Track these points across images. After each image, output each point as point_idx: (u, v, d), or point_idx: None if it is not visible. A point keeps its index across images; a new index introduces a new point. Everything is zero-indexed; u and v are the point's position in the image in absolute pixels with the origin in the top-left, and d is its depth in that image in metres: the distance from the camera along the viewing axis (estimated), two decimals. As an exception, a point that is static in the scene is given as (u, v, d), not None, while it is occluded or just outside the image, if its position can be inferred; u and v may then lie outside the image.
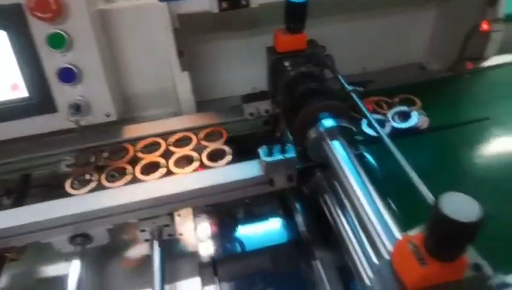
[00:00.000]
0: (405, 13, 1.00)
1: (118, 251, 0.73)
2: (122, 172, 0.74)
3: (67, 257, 0.67)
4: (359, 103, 0.68)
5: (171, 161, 0.74)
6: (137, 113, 0.89)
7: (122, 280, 0.71)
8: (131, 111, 0.88)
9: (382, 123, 0.86)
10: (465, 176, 0.77)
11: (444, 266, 0.37)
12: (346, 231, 0.59)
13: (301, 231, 0.73)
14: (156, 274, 0.63)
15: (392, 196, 0.64)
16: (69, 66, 0.72)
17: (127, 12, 0.78)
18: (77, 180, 0.73)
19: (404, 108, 0.88)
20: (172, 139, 0.80)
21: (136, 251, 0.72)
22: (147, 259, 0.67)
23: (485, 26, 0.90)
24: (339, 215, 0.62)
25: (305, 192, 0.70)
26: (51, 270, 0.73)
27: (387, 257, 0.44)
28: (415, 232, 0.42)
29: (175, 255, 0.71)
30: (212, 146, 0.78)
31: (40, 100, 0.74)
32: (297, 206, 0.76)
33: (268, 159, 0.64)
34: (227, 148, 0.76)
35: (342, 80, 0.73)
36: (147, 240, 0.68)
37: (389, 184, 0.70)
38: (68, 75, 0.73)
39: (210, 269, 0.68)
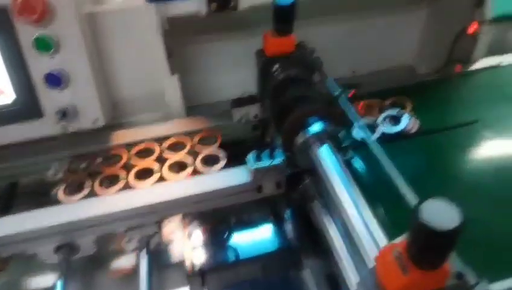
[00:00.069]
0: (395, 16, 1.00)
1: (105, 261, 0.72)
2: (115, 178, 0.73)
3: (53, 267, 0.66)
4: (347, 106, 0.68)
5: (165, 167, 0.74)
6: (126, 118, 0.88)
7: (109, 290, 0.70)
8: (121, 116, 0.87)
9: (372, 127, 0.86)
10: (454, 179, 0.77)
11: (427, 274, 0.36)
12: (333, 239, 0.59)
13: (291, 239, 0.73)
14: (142, 284, 0.63)
15: (381, 201, 0.64)
16: (56, 70, 0.71)
17: (115, 15, 0.77)
18: (70, 186, 0.73)
19: (394, 111, 0.88)
20: (166, 144, 0.80)
21: (123, 261, 0.71)
22: (134, 269, 0.67)
23: (472, 28, 0.90)
24: (326, 222, 0.62)
25: (294, 198, 0.69)
26: (36, 281, 0.72)
27: (372, 264, 0.44)
28: (401, 240, 0.42)
29: (163, 265, 0.70)
30: (206, 151, 0.78)
31: (26, 105, 0.73)
32: (288, 213, 0.76)
33: (256, 165, 0.64)
34: (221, 153, 0.76)
35: (330, 84, 0.73)
36: (134, 250, 0.68)
37: (378, 189, 0.70)
38: (55, 80, 0.72)
39: (198, 278, 0.67)
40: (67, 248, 0.65)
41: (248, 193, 0.67)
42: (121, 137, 0.82)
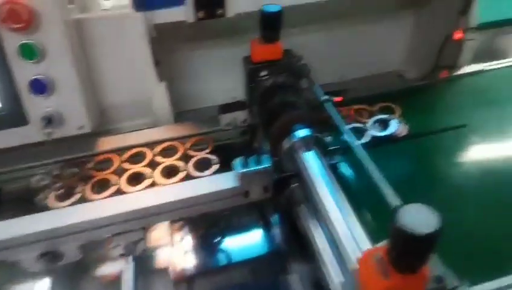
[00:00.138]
0: (383, 23, 1.02)
1: (90, 268, 0.71)
2: (106, 183, 0.73)
3: (36, 275, 0.65)
4: (333, 112, 0.68)
5: (157, 172, 0.74)
6: (114, 125, 0.88)
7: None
8: (108, 122, 0.87)
9: (362, 132, 0.86)
10: (442, 183, 0.78)
11: (406, 278, 0.37)
12: (318, 243, 0.59)
13: (279, 244, 0.73)
14: (128, 291, 0.62)
15: (366, 206, 0.64)
16: (41, 77, 0.71)
17: (102, 22, 0.77)
18: (60, 192, 0.72)
19: (383, 116, 0.89)
20: (158, 149, 0.80)
21: (109, 268, 0.71)
22: (120, 275, 0.66)
23: (458, 35, 0.92)
24: (312, 227, 0.62)
25: (281, 203, 0.69)
26: (19, 289, 0.70)
27: (354, 269, 0.44)
28: (383, 244, 0.42)
29: (149, 271, 0.70)
30: (198, 156, 0.78)
31: (11, 112, 0.73)
32: (276, 218, 0.76)
33: (243, 169, 0.64)
34: (213, 158, 0.76)
35: (317, 90, 0.73)
36: (119, 256, 0.67)
37: (363, 194, 0.70)
38: (40, 87, 0.71)
39: (184, 284, 0.67)
40: (50, 255, 0.65)
41: (235, 197, 0.67)
42: (107, 143, 0.82)
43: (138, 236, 0.68)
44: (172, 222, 0.74)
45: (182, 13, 0.75)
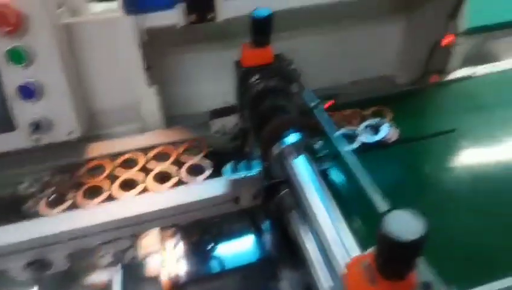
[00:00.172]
0: (374, 28, 1.02)
1: (78, 276, 0.70)
2: (98, 190, 0.72)
3: (23, 284, 0.64)
4: (323, 117, 0.68)
5: (149, 177, 0.74)
6: (104, 130, 0.87)
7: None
8: (98, 127, 0.86)
9: (353, 136, 0.86)
10: (432, 187, 0.78)
11: (394, 285, 0.36)
12: (309, 249, 0.59)
13: (270, 250, 0.72)
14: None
15: (357, 211, 0.64)
16: (30, 81, 0.70)
17: (93, 26, 0.77)
18: (51, 199, 0.72)
19: (374, 121, 0.90)
20: (150, 154, 0.80)
21: (98, 276, 0.69)
22: (109, 284, 0.65)
23: (447, 40, 0.93)
24: (303, 233, 0.61)
25: (271, 209, 0.69)
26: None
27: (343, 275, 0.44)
28: (371, 251, 0.42)
29: (139, 279, 0.69)
30: (191, 161, 0.77)
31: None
32: (267, 224, 0.75)
33: (233, 176, 0.64)
34: (206, 163, 0.76)
35: (308, 94, 0.73)
36: (108, 264, 0.66)
37: (354, 200, 0.70)
38: (29, 92, 0.70)
39: (174, 292, 0.66)
40: (38, 264, 0.64)
41: (225, 204, 0.67)
42: (98, 149, 0.81)
43: (127, 244, 0.67)
44: (163, 229, 0.73)
45: (173, 17, 0.75)
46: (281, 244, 0.69)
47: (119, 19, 0.75)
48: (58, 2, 0.75)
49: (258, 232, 0.73)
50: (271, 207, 0.69)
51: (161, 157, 0.80)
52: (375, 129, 0.88)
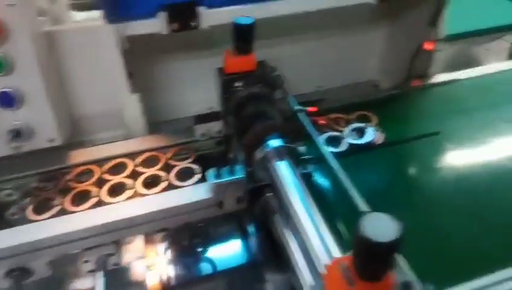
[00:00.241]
0: (357, 34, 1.04)
1: (60, 284, 0.69)
2: (87, 195, 0.72)
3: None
4: (306, 122, 0.69)
5: (138, 182, 0.74)
6: (86, 137, 0.86)
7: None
8: (80, 134, 0.86)
9: (339, 140, 0.87)
10: (417, 188, 0.79)
11: (372, 286, 0.37)
12: (293, 252, 0.59)
13: (255, 253, 0.72)
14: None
15: (339, 214, 0.64)
16: (9, 90, 0.70)
17: (74, 34, 0.77)
18: (39, 205, 0.71)
19: (360, 124, 0.91)
20: (139, 159, 0.79)
21: (80, 283, 0.68)
22: (92, 290, 0.64)
23: (428, 45, 0.95)
24: (287, 236, 0.62)
25: (256, 213, 0.69)
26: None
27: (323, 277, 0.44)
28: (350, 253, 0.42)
29: (123, 285, 0.68)
30: (180, 165, 0.78)
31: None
32: (252, 227, 0.75)
33: (216, 180, 0.64)
34: (195, 167, 0.76)
35: (291, 100, 0.74)
36: (90, 271, 0.65)
37: (336, 202, 0.71)
38: (8, 100, 0.70)
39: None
40: (19, 272, 0.62)
41: (209, 209, 0.67)
42: (83, 156, 0.81)
43: (110, 250, 0.66)
44: (147, 234, 0.73)
45: (155, 25, 0.75)
46: (266, 247, 0.69)
47: (101, 27, 0.75)
48: (39, 11, 0.75)
49: (244, 236, 0.73)
50: (256, 210, 0.69)
51: (150, 162, 0.80)
52: (361, 132, 0.89)
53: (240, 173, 0.65)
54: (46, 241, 0.62)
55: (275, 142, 0.63)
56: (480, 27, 1.29)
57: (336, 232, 0.52)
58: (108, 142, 0.85)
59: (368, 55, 1.08)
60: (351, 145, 0.86)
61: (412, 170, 0.86)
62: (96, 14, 0.76)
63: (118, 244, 0.67)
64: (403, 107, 1.02)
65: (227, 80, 0.75)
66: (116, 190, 0.73)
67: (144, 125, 0.87)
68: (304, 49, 1.02)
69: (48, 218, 0.67)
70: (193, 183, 0.73)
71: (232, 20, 0.70)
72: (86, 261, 0.65)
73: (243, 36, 0.72)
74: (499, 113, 0.96)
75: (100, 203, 0.70)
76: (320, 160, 0.71)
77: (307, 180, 0.72)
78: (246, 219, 0.74)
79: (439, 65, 1.04)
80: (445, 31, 0.98)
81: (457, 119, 0.94)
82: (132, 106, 0.84)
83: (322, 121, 0.91)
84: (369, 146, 0.86)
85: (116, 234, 0.64)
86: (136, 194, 0.72)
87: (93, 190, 0.73)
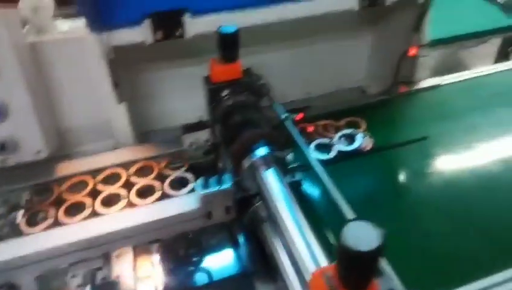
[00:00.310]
0: (342, 40, 1.05)
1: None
2: (81, 206, 0.71)
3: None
4: (293, 129, 0.69)
5: (132, 192, 0.73)
6: (74, 148, 0.85)
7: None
8: (68, 146, 0.85)
9: (329, 146, 0.88)
10: (407, 193, 0.80)
11: (355, 295, 0.37)
12: (282, 261, 0.58)
13: (246, 263, 0.71)
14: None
15: (327, 222, 0.64)
16: (-7, 102, 0.69)
17: (58, 44, 0.76)
18: (32, 217, 0.70)
19: (349, 131, 0.91)
20: (133, 169, 0.79)
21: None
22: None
23: (412, 51, 0.96)
24: (276, 245, 0.61)
25: (245, 223, 0.69)
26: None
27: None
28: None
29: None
30: (174, 174, 0.78)
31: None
32: (242, 237, 0.75)
33: (204, 191, 0.63)
34: (190, 176, 0.77)
35: (278, 108, 0.74)
36: (78, 286, 0.64)
37: (324, 210, 0.71)
38: (-8, 112, 0.69)
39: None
40: (6, 288, 0.61)
41: (197, 220, 0.66)
42: (74, 167, 0.80)
43: (98, 264, 0.65)
44: (136, 247, 0.72)
45: (140, 34, 0.75)
46: (257, 257, 0.69)
47: (85, 37, 0.74)
48: (23, 21, 0.74)
49: (235, 246, 0.73)
50: (245, 220, 0.68)
51: (143, 172, 0.80)
52: (350, 139, 0.90)
53: (228, 183, 0.65)
54: (34, 256, 0.61)
55: (262, 151, 0.63)
56: (465, 31, 1.32)
57: (324, 241, 0.52)
58: (98, 153, 0.84)
59: (354, 61, 1.09)
60: (341, 151, 0.86)
61: (402, 175, 0.87)
62: (81, 23, 0.75)
63: (107, 257, 0.66)
64: (391, 112, 1.03)
65: (213, 89, 0.75)
66: (110, 201, 0.72)
67: (132, 136, 0.86)
68: (292, 56, 1.02)
69: (42, 230, 0.67)
70: (187, 192, 0.72)
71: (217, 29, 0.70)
72: (74, 276, 0.64)
73: (228, 44, 0.72)
74: (485, 116, 0.97)
75: (95, 214, 0.70)
76: (308, 168, 0.71)
77: (296, 188, 0.72)
78: (236, 228, 0.74)
79: (426, 70, 1.05)
80: (428, 37, 1.00)
81: (444, 124, 0.95)
82: (119, 116, 0.83)
83: (310, 128, 0.92)
84: (359, 152, 0.87)
85: (101, 248, 0.64)
86: (130, 205, 0.71)
87: (87, 201, 0.72)
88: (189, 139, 0.80)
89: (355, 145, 0.88)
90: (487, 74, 1.14)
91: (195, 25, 0.77)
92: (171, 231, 0.67)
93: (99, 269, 0.65)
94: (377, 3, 0.87)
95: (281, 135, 0.68)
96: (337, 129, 0.93)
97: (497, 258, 0.63)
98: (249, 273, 0.69)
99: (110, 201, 0.72)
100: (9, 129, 0.72)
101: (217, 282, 0.69)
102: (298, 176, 0.72)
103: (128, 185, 0.76)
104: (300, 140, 0.68)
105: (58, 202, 0.73)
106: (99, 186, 0.76)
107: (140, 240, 0.67)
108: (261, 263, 0.68)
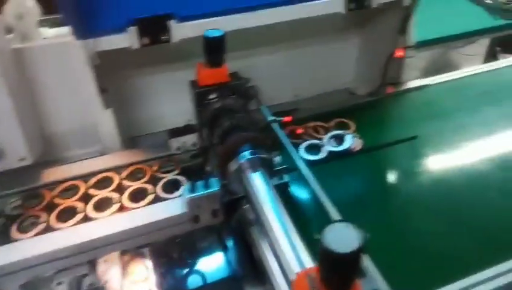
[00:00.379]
0: (330, 43, 1.06)
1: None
2: (73, 211, 0.71)
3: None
4: (279, 132, 0.69)
5: (125, 196, 0.73)
6: (60, 154, 0.85)
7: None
8: (54, 152, 0.84)
9: (319, 147, 0.88)
10: (397, 193, 0.80)
11: (338, 297, 0.36)
12: (270, 264, 0.58)
13: (235, 267, 0.71)
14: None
15: (314, 223, 0.64)
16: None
17: (43, 50, 0.76)
18: (24, 222, 0.70)
19: (339, 132, 0.92)
20: (125, 173, 0.79)
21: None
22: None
23: (398, 53, 0.97)
24: (263, 247, 0.61)
25: (234, 226, 0.68)
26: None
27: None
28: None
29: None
30: (167, 178, 0.78)
31: None
32: (231, 240, 0.74)
33: (190, 195, 0.63)
34: (182, 179, 0.77)
35: (264, 111, 0.74)
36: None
37: (311, 212, 0.71)
38: (-26, 120, 0.68)
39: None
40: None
41: (184, 224, 0.66)
42: (61, 172, 0.79)
43: (84, 271, 0.64)
44: (123, 252, 0.71)
45: (126, 40, 0.75)
46: (245, 260, 0.69)
47: (70, 43, 0.74)
48: (7, 28, 0.74)
49: (223, 249, 0.72)
50: (233, 223, 0.68)
51: (135, 175, 0.79)
52: (340, 140, 0.90)
53: (215, 186, 0.64)
54: (20, 263, 0.60)
55: (248, 154, 0.63)
56: (453, 33, 1.33)
57: (310, 242, 0.52)
58: (87, 158, 0.84)
59: (342, 63, 1.10)
60: (331, 152, 0.86)
61: (391, 175, 0.87)
62: (66, 30, 0.75)
63: (93, 264, 0.65)
64: (380, 113, 1.03)
65: (200, 93, 0.75)
66: (103, 205, 0.72)
67: (119, 141, 0.86)
68: (280, 59, 1.02)
69: (33, 236, 0.66)
70: (180, 195, 0.72)
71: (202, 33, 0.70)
72: (59, 284, 0.63)
73: (214, 49, 0.72)
74: (473, 115, 0.98)
75: (87, 219, 0.69)
76: (294, 169, 0.71)
77: (284, 190, 0.72)
78: (224, 232, 0.74)
79: (415, 71, 1.06)
80: (414, 38, 1.01)
81: (433, 124, 0.96)
82: (106, 122, 0.82)
83: (299, 130, 0.92)
84: (348, 153, 0.87)
85: (87, 255, 0.63)
86: (122, 208, 0.71)
87: (79, 205, 0.72)
88: (176, 143, 0.80)
89: (345, 145, 0.88)
90: (474, 74, 1.15)
91: (182, 30, 0.77)
92: (158, 235, 0.66)
93: (85, 275, 0.65)
94: (364, 6, 0.87)
95: (267, 138, 0.68)
96: (327, 130, 0.94)
97: (486, 256, 0.63)
98: (238, 276, 0.69)
99: (103, 205, 0.72)
100: (-8, 136, 0.71)
101: (206, 286, 0.69)
102: (286, 178, 0.72)
103: (120, 189, 0.76)
104: (287, 142, 0.68)
105: (50, 207, 0.72)
106: (91, 191, 0.75)
107: (128, 245, 0.66)
108: (250, 267, 0.68)
